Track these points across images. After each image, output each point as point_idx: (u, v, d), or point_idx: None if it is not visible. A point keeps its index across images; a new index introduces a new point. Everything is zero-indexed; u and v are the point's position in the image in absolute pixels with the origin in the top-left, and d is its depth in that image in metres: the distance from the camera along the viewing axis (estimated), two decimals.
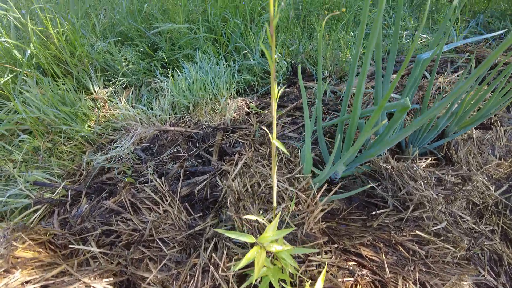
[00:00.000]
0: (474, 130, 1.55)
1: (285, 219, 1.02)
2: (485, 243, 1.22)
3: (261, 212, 1.05)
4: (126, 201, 1.26)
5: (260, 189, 1.12)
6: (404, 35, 2.34)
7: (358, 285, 1.00)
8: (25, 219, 1.35)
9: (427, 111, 0.91)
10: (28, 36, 1.86)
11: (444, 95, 1.62)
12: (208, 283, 0.95)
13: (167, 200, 1.25)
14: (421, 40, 2.30)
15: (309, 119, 1.02)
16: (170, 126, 1.64)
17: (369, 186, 1.09)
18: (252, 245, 0.99)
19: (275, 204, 0.78)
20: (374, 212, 1.20)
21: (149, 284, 0.99)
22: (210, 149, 1.56)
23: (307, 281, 0.91)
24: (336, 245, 1.10)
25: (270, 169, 1.25)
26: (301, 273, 0.96)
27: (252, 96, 1.92)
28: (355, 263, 1.07)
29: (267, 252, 0.84)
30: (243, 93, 1.98)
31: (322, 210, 1.05)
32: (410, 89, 1.13)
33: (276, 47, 1.84)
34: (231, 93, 1.82)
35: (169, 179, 1.37)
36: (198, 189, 1.28)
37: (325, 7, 2.37)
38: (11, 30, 1.87)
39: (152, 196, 1.26)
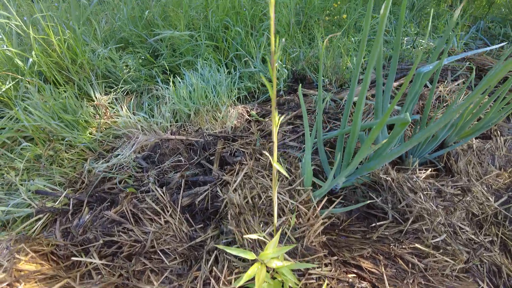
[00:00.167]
0: (474, 139, 1.56)
1: (286, 233, 1.03)
2: (484, 254, 1.22)
3: (261, 225, 1.06)
4: (127, 211, 1.27)
5: (260, 201, 1.13)
6: (405, 41, 2.35)
7: None
8: (27, 228, 1.36)
9: (427, 127, 0.92)
10: (30, 43, 1.87)
11: (444, 105, 1.62)
12: None
13: (168, 211, 1.25)
14: (422, 46, 2.30)
15: (309, 133, 1.03)
16: (171, 134, 1.65)
17: (368, 202, 1.10)
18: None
19: (275, 222, 0.79)
20: (374, 224, 1.21)
21: None
22: (211, 158, 1.57)
23: None
24: (336, 257, 1.10)
25: (271, 179, 1.26)
26: (301, 287, 0.97)
27: (252, 103, 1.93)
28: (355, 275, 1.08)
29: (267, 267, 0.85)
30: (244, 100, 1.98)
31: (322, 224, 1.05)
32: (410, 102, 1.13)
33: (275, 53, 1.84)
34: (232, 101, 1.83)
35: (170, 189, 1.37)
36: (199, 199, 1.29)
37: (326, 12, 2.38)
38: (13, 37, 1.88)
39: (153, 206, 1.27)
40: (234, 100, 1.86)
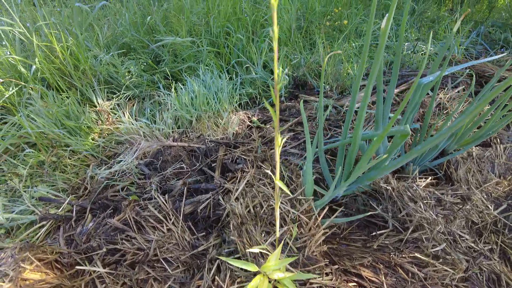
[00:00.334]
0: (474, 147, 1.57)
1: (287, 243, 1.04)
2: (483, 262, 1.23)
3: (263, 234, 1.07)
4: (130, 219, 1.29)
5: (262, 211, 1.14)
6: (405, 47, 2.36)
7: None
8: (30, 235, 1.37)
9: (428, 139, 0.93)
10: (33, 49, 1.89)
11: (444, 112, 1.63)
12: None
13: (170, 219, 1.27)
14: (422, 51, 2.31)
15: (310, 144, 1.04)
16: (173, 141, 1.66)
17: (369, 213, 1.11)
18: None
19: (277, 234, 0.80)
20: (374, 233, 1.22)
21: None
22: (213, 165, 1.59)
23: None
24: (336, 266, 1.12)
25: (272, 187, 1.28)
26: None
27: (254, 109, 1.94)
28: (355, 284, 1.09)
29: (269, 278, 0.86)
30: (245, 106, 2.00)
31: (323, 234, 1.07)
32: (410, 112, 1.14)
33: (278, 60, 1.86)
34: (233, 107, 1.84)
35: (172, 196, 1.39)
36: (201, 207, 1.30)
37: (327, 18, 2.39)
38: (16, 43, 1.89)
39: (156, 214, 1.28)
40: (236, 107, 1.87)
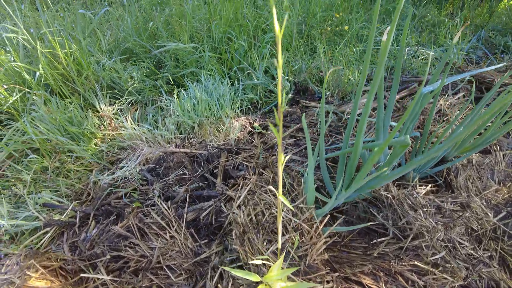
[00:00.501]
0: (474, 154, 1.58)
1: (289, 251, 1.05)
2: (483, 269, 1.25)
3: (265, 243, 1.09)
4: (133, 226, 1.30)
5: (264, 219, 1.16)
6: (406, 52, 2.37)
7: None
8: (34, 241, 1.39)
9: (429, 151, 0.94)
10: (36, 54, 1.90)
11: (444, 119, 1.65)
12: None
13: (173, 226, 1.28)
14: (423, 57, 2.33)
15: (311, 154, 1.05)
16: (175, 147, 1.67)
17: (369, 224, 1.12)
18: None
19: (279, 246, 0.81)
20: (374, 241, 1.24)
21: None
22: (215, 171, 1.60)
23: None
24: (337, 274, 1.13)
25: (273, 195, 1.29)
26: None
27: (255, 114, 1.95)
28: None
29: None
30: (247, 111, 2.01)
31: (325, 243, 1.08)
32: (411, 122, 1.16)
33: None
34: (235, 113, 1.85)
35: (175, 203, 1.40)
36: (204, 215, 1.32)
37: (328, 23, 2.40)
38: (20, 49, 1.91)
39: (158, 221, 1.30)
40: (238, 112, 1.89)
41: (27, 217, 1.47)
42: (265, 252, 1.04)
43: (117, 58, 2.02)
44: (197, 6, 2.32)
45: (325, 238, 1.09)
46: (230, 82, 2.02)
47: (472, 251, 1.27)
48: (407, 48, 2.37)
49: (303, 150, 1.64)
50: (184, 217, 1.31)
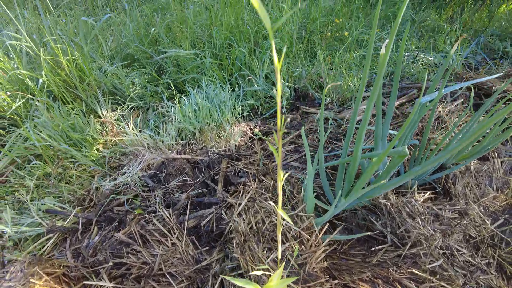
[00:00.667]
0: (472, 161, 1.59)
1: (289, 259, 1.07)
2: (480, 277, 1.26)
3: (265, 251, 1.11)
4: (135, 233, 1.32)
5: (264, 227, 1.18)
6: (406, 57, 2.38)
7: None
8: (37, 247, 1.41)
9: (426, 162, 0.96)
10: (39, 61, 1.93)
11: (443, 126, 1.66)
12: None
13: (175, 233, 1.30)
14: (422, 62, 2.34)
15: (311, 163, 1.07)
16: (177, 154, 1.69)
17: (367, 233, 1.14)
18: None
19: (279, 256, 0.83)
20: (373, 248, 1.25)
21: None
22: (216, 177, 1.62)
23: None
24: (336, 281, 1.15)
25: (274, 202, 1.31)
26: None
27: (256, 120, 1.97)
28: None
29: None
30: (247, 117, 2.03)
31: (324, 251, 1.10)
32: (409, 131, 1.17)
33: (279, 72, 1.89)
34: (236, 119, 1.87)
35: (176, 210, 1.42)
36: (205, 222, 1.34)
37: (328, 28, 2.42)
38: (23, 56, 1.93)
39: (160, 228, 1.31)
40: (238, 119, 1.90)
41: (31, 224, 1.49)
42: (265, 261, 1.06)
43: (118, 64, 2.04)
44: (198, 11, 2.34)
45: (324, 246, 1.10)
46: (231, 87, 2.04)
47: (470, 258, 1.29)
48: (406, 54, 2.39)
49: (303, 157, 1.66)
50: (185, 224, 1.33)
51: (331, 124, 1.79)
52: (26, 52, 1.93)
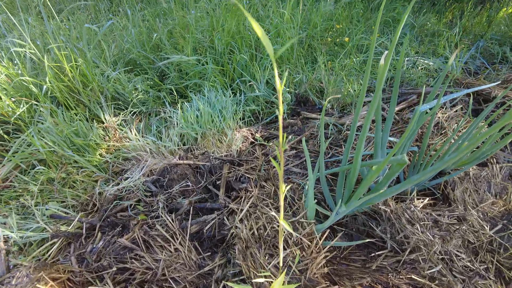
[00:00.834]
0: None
1: (290, 265, 1.09)
2: (479, 282, 1.28)
3: (267, 257, 1.13)
4: (139, 238, 1.34)
5: (266, 233, 1.20)
6: (405, 62, 2.41)
7: None
8: (42, 252, 1.43)
9: (424, 170, 0.98)
10: (43, 67, 1.95)
11: (442, 132, 1.68)
12: None
13: (177, 239, 1.32)
14: (422, 67, 2.36)
15: (312, 171, 1.09)
16: (179, 159, 1.71)
17: (367, 240, 1.16)
18: None
19: (281, 263, 0.85)
20: (373, 254, 1.27)
21: None
22: (218, 182, 1.64)
23: None
24: (337, 286, 1.17)
25: (275, 208, 1.33)
26: None
27: (257, 125, 1.99)
28: None
29: None
30: (248, 122, 2.05)
31: (325, 257, 1.12)
32: (408, 140, 1.19)
33: (280, 78, 1.91)
34: (237, 125, 1.89)
35: (179, 215, 1.44)
36: (207, 227, 1.35)
37: (329, 33, 2.44)
38: (27, 61, 1.95)
39: (163, 233, 1.33)
40: (240, 124, 1.92)
41: (35, 229, 1.51)
42: (267, 267, 1.08)
43: (121, 69, 2.06)
44: (200, 17, 2.37)
45: (325, 252, 1.12)
46: (232, 93, 2.06)
47: (468, 263, 1.31)
48: (406, 59, 2.41)
49: (304, 162, 1.68)
50: (188, 230, 1.35)
51: (331, 129, 1.81)
52: (30, 58, 1.96)
